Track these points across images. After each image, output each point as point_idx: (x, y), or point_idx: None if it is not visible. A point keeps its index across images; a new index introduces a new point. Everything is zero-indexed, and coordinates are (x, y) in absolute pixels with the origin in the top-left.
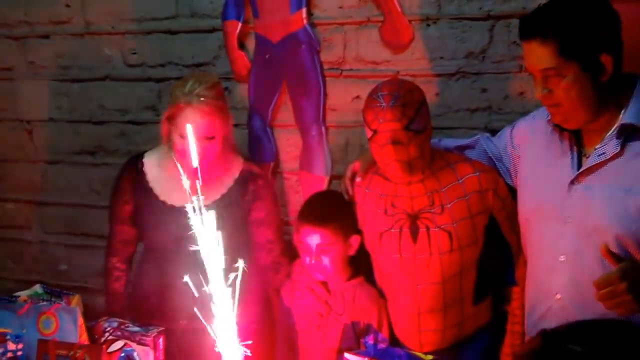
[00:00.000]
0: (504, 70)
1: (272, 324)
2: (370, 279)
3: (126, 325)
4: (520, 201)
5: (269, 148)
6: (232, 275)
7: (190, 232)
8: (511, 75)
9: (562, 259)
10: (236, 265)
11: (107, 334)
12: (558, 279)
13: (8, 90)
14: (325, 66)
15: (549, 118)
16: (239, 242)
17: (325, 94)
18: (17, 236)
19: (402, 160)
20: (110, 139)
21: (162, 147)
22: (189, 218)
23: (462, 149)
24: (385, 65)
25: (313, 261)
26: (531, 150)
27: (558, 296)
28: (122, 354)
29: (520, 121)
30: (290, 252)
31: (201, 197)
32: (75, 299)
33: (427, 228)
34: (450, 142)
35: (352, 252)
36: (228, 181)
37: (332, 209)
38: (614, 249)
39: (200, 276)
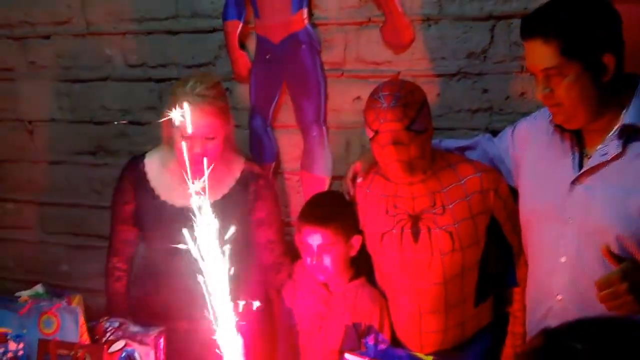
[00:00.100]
0: (505, 70)
1: (273, 324)
2: (371, 279)
3: (127, 325)
4: (521, 202)
5: (269, 148)
6: (232, 275)
7: (192, 232)
8: (512, 75)
9: (563, 260)
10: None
11: (108, 334)
12: (559, 279)
13: (9, 90)
14: (326, 66)
15: (550, 118)
16: (240, 242)
17: (326, 95)
18: (17, 236)
19: (403, 160)
20: (111, 139)
21: (163, 148)
22: (190, 218)
23: (463, 149)
24: (386, 65)
25: (314, 261)
26: (532, 151)
27: (559, 297)
28: (123, 354)
29: (521, 122)
30: (292, 253)
31: (203, 197)
32: (77, 299)
33: (429, 229)
34: (451, 143)
35: (353, 252)
36: (229, 181)
37: (334, 209)
38: (615, 250)
39: (201, 277)
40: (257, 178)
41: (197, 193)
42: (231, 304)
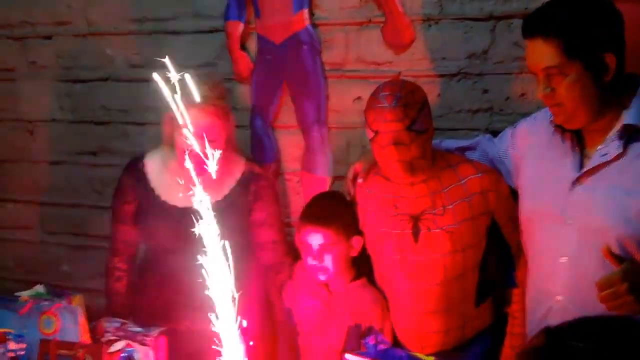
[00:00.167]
0: (506, 71)
1: (273, 324)
2: (371, 280)
3: (128, 325)
4: (521, 202)
5: (270, 149)
6: (233, 275)
7: (192, 232)
8: (513, 76)
9: (563, 260)
10: (238, 265)
11: (108, 334)
12: (559, 280)
13: (10, 90)
14: (327, 67)
15: (551, 119)
16: (241, 243)
17: (326, 95)
18: (18, 236)
19: (404, 160)
20: (112, 140)
21: (163, 148)
22: (191, 219)
23: (463, 150)
24: (387, 66)
25: (315, 262)
26: (533, 151)
27: (559, 297)
28: (124, 354)
29: (521, 122)
30: (293, 253)
31: (203, 198)
32: (77, 299)
33: (429, 229)
34: (451, 143)
35: (354, 253)
36: (230, 182)
37: (334, 209)
38: (616, 250)
39: (202, 277)
40: (258, 178)
41: (198, 194)
42: (232, 304)
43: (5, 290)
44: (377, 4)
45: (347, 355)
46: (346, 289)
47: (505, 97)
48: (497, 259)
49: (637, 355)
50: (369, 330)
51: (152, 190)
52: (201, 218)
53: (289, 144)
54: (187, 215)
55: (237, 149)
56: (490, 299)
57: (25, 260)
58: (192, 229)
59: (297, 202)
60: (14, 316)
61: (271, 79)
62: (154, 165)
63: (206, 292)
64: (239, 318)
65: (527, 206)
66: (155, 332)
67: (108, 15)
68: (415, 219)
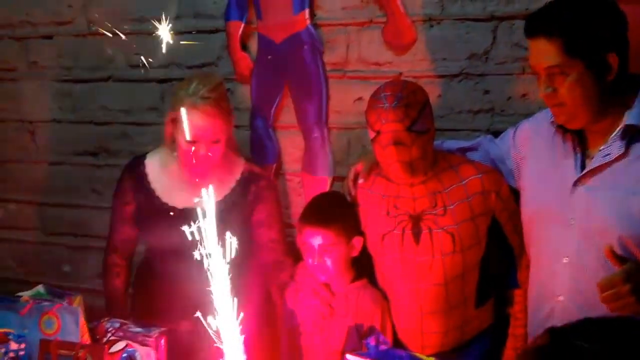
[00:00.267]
0: (507, 71)
1: (274, 324)
2: (372, 280)
3: (128, 325)
4: (523, 203)
5: (271, 149)
6: (233, 276)
7: (192, 233)
8: (514, 76)
9: (565, 261)
10: (239, 266)
11: (109, 335)
12: (561, 280)
13: (10, 90)
14: (328, 67)
15: (552, 119)
16: (242, 243)
17: (327, 95)
18: (19, 237)
19: (405, 161)
20: (112, 140)
21: (164, 149)
22: (191, 219)
23: (464, 150)
24: (388, 66)
25: (316, 262)
26: (534, 152)
27: (560, 298)
28: (124, 355)
29: (523, 123)
30: (294, 254)
31: (203, 198)
32: (78, 299)
33: (430, 229)
34: (452, 144)
35: (354, 253)
36: (230, 182)
37: (335, 210)
38: (618, 251)
39: (202, 277)
40: (258, 179)
41: (198, 194)
42: (232, 305)
43: (6, 291)
44: (379, 5)
45: (348, 356)
46: (347, 290)
47: (506, 98)
48: (499, 260)
49: None
50: (370, 331)
51: (152, 190)
52: (201, 219)
53: (290, 145)
54: (187, 216)
55: (237, 149)
56: (491, 301)
57: (26, 260)
58: (192, 230)
59: (298, 203)
60: (15, 316)
61: (272, 80)
62: (154, 166)
63: (206, 293)
64: (239, 318)
65: (529, 206)
66: (155, 332)
67: (108, 15)
68: (416, 220)
